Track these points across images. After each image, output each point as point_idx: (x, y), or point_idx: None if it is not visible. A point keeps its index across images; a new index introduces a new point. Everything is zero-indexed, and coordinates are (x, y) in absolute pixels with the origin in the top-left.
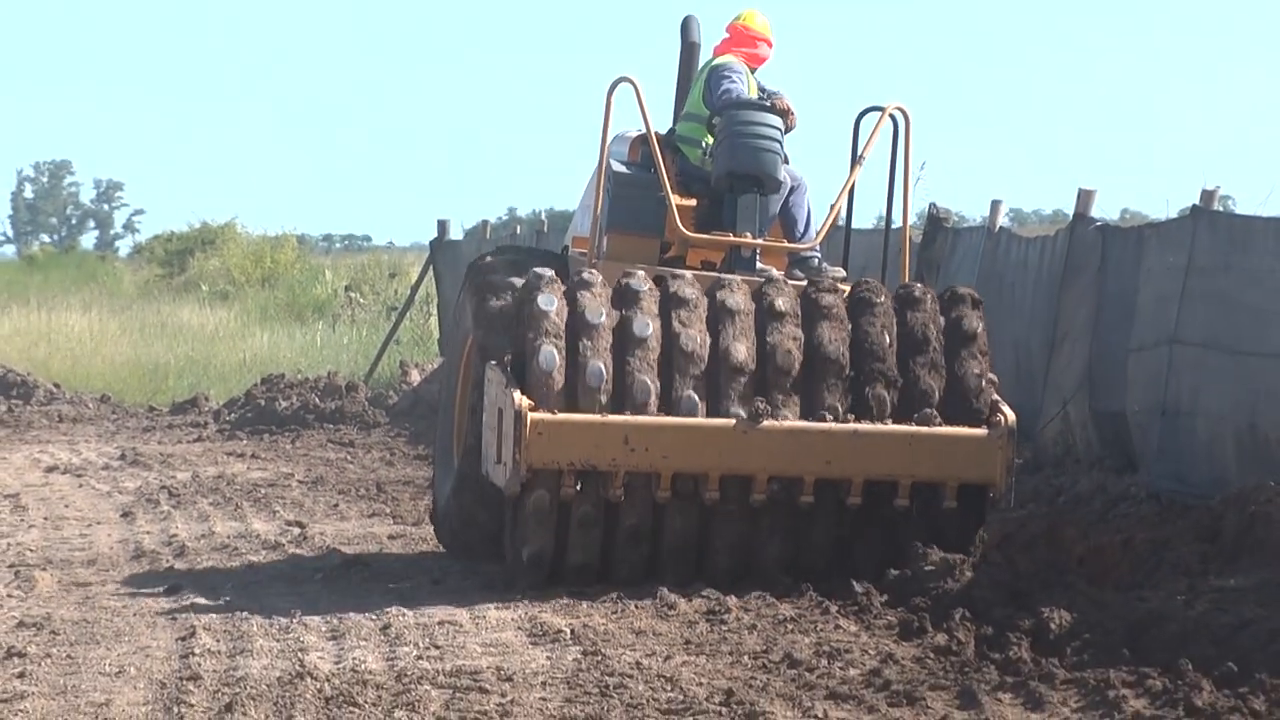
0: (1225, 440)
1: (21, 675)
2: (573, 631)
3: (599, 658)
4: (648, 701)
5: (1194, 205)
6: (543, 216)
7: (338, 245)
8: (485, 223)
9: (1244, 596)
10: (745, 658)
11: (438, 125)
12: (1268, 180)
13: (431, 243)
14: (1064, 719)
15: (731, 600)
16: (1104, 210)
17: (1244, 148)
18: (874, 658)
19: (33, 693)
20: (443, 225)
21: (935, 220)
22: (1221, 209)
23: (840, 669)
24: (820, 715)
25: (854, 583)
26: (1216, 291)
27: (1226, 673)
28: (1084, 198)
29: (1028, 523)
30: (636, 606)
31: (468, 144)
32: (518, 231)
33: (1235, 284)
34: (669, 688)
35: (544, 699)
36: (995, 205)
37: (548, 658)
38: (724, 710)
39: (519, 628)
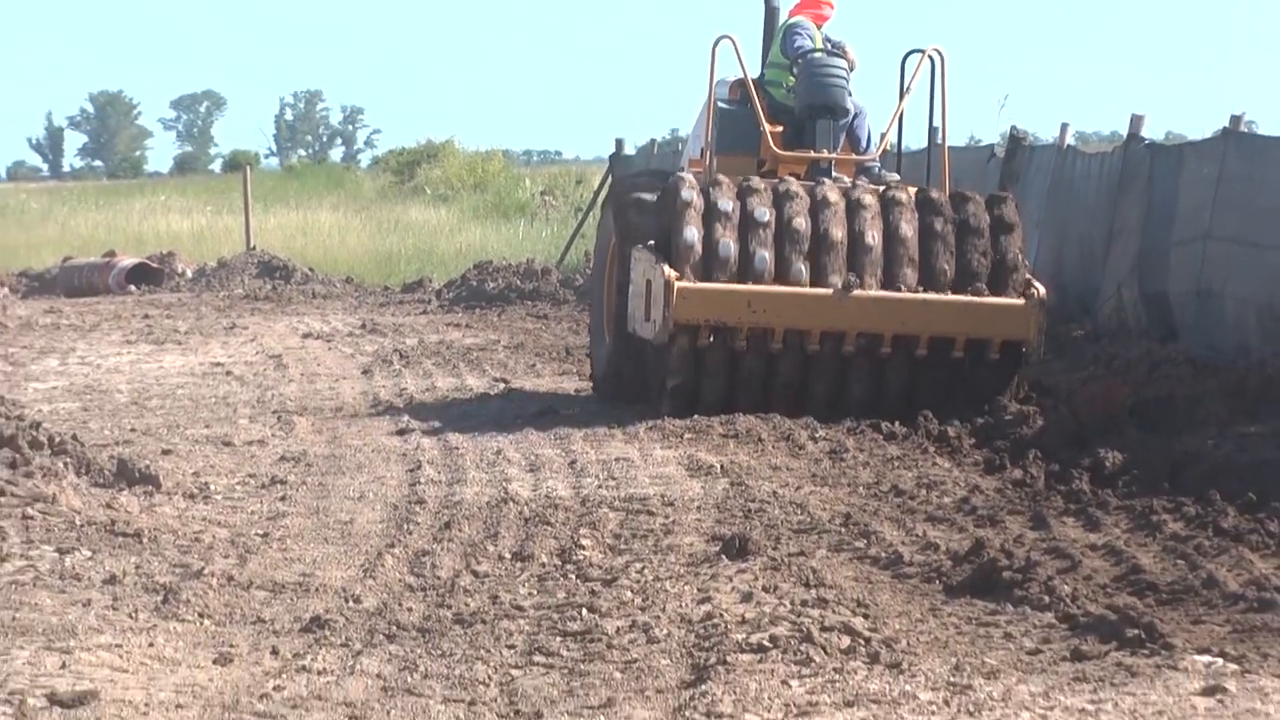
0: (1248, 316)
1: (283, 499)
2: (722, 467)
3: (743, 487)
4: (782, 523)
5: (1224, 128)
6: None
7: (535, 158)
8: (653, 140)
9: (1263, 440)
10: (860, 488)
11: (618, 60)
12: None
13: (610, 156)
14: (1115, 538)
15: (850, 442)
16: (1151, 131)
17: (1266, 80)
18: (963, 488)
19: (292, 512)
20: (619, 142)
21: (1015, 140)
22: (1247, 131)
23: (936, 497)
24: (920, 534)
25: (948, 428)
26: (1242, 197)
27: (1247, 501)
28: (1135, 121)
29: (1088, 381)
30: (773, 447)
31: (641, 76)
32: (680, 149)
33: (1258, 192)
34: (799, 512)
35: (699, 519)
36: (1064, 127)
37: (702, 487)
38: (843, 530)
39: (679, 464)
